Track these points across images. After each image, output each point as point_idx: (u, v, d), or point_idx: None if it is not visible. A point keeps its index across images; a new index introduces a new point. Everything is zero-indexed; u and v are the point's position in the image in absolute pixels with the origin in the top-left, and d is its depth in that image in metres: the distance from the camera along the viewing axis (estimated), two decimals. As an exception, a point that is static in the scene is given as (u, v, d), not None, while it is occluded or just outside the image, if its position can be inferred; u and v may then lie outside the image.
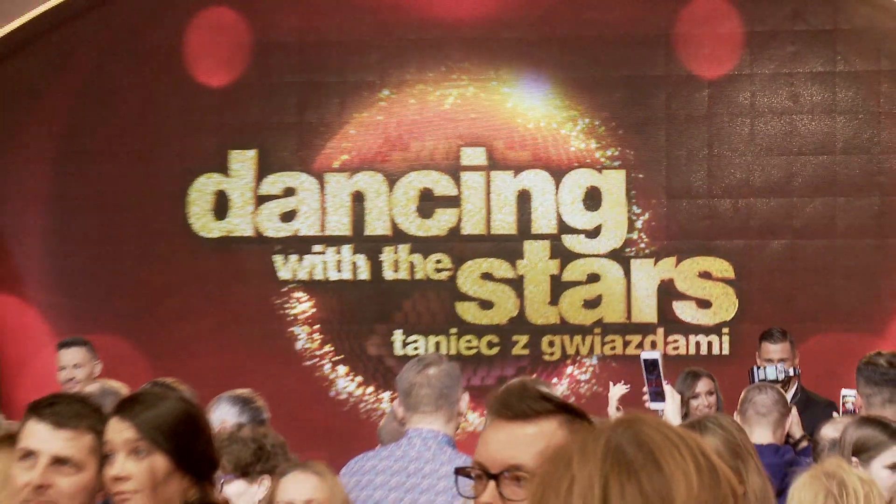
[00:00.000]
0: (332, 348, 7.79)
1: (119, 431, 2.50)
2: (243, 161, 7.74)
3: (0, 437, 2.98)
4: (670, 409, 4.67)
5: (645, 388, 4.82)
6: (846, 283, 7.45)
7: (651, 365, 4.82)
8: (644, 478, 0.97)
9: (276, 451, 3.97)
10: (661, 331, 7.50)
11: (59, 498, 2.51)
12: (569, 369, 7.52)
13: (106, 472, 2.49)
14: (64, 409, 2.60)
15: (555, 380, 7.53)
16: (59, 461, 2.53)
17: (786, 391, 5.67)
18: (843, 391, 5.34)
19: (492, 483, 1.67)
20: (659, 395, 4.76)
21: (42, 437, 2.56)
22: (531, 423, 1.72)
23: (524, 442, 1.71)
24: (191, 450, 2.57)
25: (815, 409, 5.90)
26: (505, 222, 7.69)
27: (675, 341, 7.41)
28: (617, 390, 5.93)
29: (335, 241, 7.74)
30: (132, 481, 2.44)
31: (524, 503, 1.53)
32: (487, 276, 7.66)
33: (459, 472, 1.76)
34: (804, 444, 5.16)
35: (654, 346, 7.33)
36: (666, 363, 5.21)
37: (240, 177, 7.76)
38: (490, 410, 1.96)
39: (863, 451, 3.84)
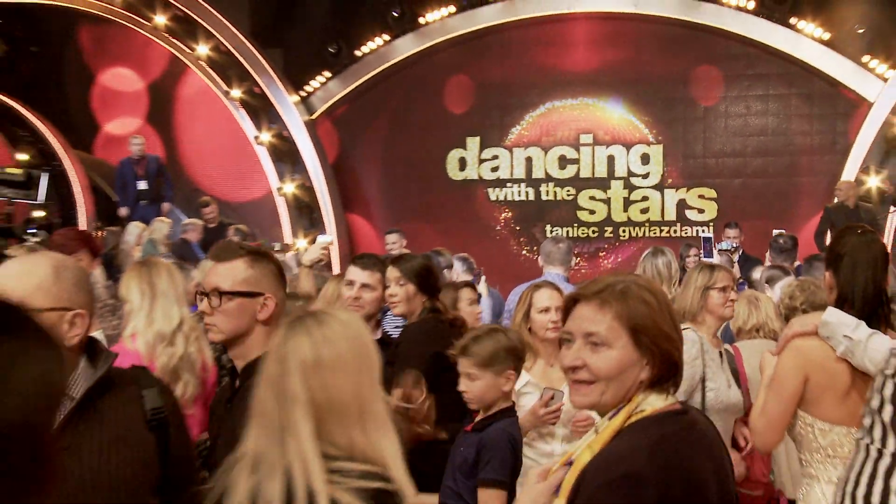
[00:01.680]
0: (517, 235, 12.27)
1: (392, 272, 3.84)
2: (473, 143, 12.31)
3: (336, 276, 4.43)
4: (715, 261, 6.01)
5: (702, 252, 7.19)
6: (773, 200, 11.35)
7: (706, 240, 7.19)
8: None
9: None
10: (678, 224, 11.70)
11: (365, 305, 3.81)
12: (633, 245, 11.76)
13: (385, 293, 3.84)
14: (366, 260, 3.93)
15: (634, 249, 11.42)
16: (364, 286, 3.81)
17: (733, 254, 8.25)
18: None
19: (206, 298, 2.33)
20: (709, 255, 7.01)
21: (356, 273, 3.87)
22: (226, 263, 2.49)
23: (220, 273, 2.48)
24: (426, 282, 3.83)
25: (752, 263, 8.08)
26: (601, 171, 11.99)
27: (686, 230, 11.64)
28: None
29: (517, 181, 12.18)
30: (397, 297, 3.80)
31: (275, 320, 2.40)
32: (592, 198, 12.01)
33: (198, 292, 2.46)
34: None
35: (698, 233, 10.24)
36: (676, 242, 9.27)
37: (471, 150, 12.33)
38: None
39: (770, 282, 5.60)
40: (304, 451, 1.86)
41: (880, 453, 1.50)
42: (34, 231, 8.10)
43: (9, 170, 8.88)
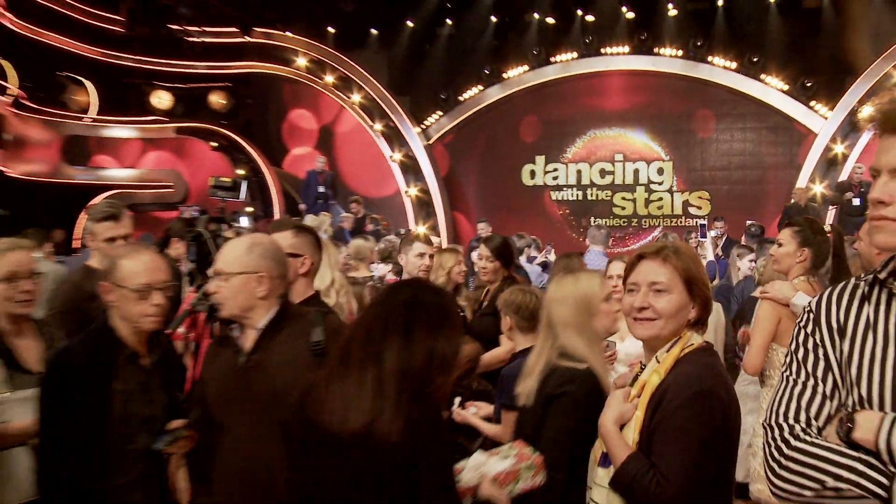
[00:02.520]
0: (570, 223, 15.92)
1: (484, 251, 4.55)
2: (540, 160, 15.92)
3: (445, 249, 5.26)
4: (707, 241, 9.29)
5: (699, 234, 9.51)
6: (748, 200, 14.52)
7: (702, 226, 9.72)
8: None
9: None
10: (683, 217, 15.06)
11: (437, 270, 4.85)
12: (651, 232, 15.23)
13: (478, 264, 4.65)
14: (427, 237, 6.51)
15: (652, 235, 14.91)
16: (431, 255, 4.70)
17: (719, 239, 10.58)
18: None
19: None
20: (704, 237, 9.34)
21: (425, 248, 4.81)
22: (278, 233, 2.98)
23: (279, 239, 2.80)
24: (505, 257, 4.54)
25: (733, 244, 8.97)
26: (629, 180, 15.39)
27: (688, 221, 14.88)
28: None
29: (571, 187, 15.77)
30: (487, 269, 4.60)
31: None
32: (623, 199, 15.46)
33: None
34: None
35: (697, 223, 14.34)
36: (682, 230, 13.39)
37: (538, 165, 15.95)
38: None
39: (739, 256, 7.03)
40: (544, 349, 2.75)
41: (795, 382, 1.72)
42: (240, 219, 11.70)
43: (222, 178, 12.68)
